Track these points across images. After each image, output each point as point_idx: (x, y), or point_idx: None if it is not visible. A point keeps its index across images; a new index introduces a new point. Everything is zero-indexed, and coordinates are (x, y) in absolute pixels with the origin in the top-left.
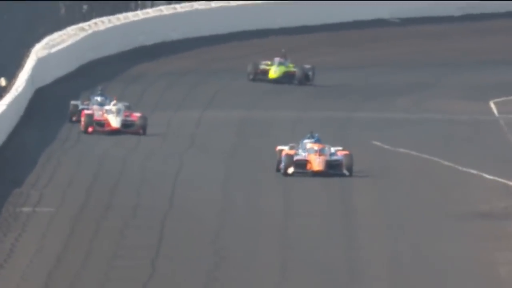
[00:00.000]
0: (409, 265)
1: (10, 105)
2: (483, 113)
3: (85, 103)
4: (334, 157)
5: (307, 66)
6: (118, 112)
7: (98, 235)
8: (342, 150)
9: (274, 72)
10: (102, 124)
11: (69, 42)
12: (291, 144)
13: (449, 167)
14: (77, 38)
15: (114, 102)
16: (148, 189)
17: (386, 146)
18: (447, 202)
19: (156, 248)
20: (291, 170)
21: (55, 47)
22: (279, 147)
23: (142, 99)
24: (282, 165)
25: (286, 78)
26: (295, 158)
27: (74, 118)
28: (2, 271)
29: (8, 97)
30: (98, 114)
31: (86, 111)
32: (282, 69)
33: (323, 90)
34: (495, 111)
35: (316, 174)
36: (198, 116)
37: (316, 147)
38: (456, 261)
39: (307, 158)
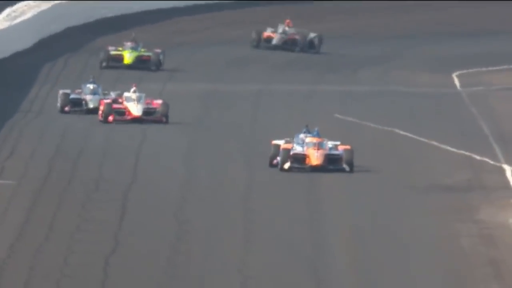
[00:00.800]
0: (371, 238)
1: None
2: (446, 86)
3: (77, 91)
4: (334, 151)
5: (158, 50)
6: (139, 99)
7: (61, 208)
8: (342, 144)
9: (128, 58)
10: (122, 112)
11: (30, 14)
12: (286, 139)
13: (412, 140)
14: (39, 9)
15: (133, 89)
16: (111, 162)
17: (349, 119)
18: (410, 175)
19: (119, 222)
20: (287, 165)
21: (16, 19)
22: (275, 142)
23: (105, 72)
24: (278, 160)
25: (140, 63)
26: (292, 152)
27: (66, 109)
28: None
29: None
30: (93, 103)
31: (105, 100)
32: (135, 54)
33: (285, 63)
34: (457, 84)
35: (315, 169)
36: (161, 88)
37: (315, 140)
38: (419, 233)
39: (305, 152)
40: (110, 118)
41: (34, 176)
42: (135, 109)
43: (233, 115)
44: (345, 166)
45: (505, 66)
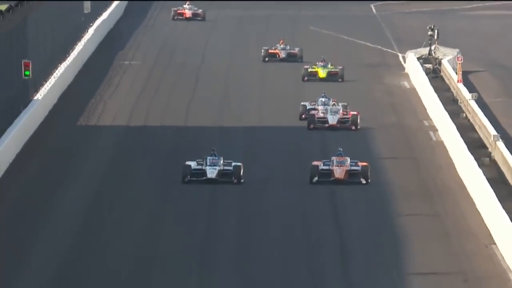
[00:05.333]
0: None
1: (118, 6)
2: (367, 11)
3: (312, 103)
4: (353, 167)
5: (340, 67)
6: (335, 111)
7: (163, 78)
8: (361, 162)
9: (322, 73)
10: (323, 121)
11: None
12: (324, 161)
13: (349, 40)
14: None
15: (333, 102)
16: (189, 53)
17: (317, 30)
18: (347, 58)
19: (195, 85)
20: (315, 179)
21: None
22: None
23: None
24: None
25: (330, 77)
26: (320, 168)
27: (303, 116)
28: (112, 96)
29: (115, 2)
30: (321, 113)
31: (311, 111)
32: (326, 70)
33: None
34: (374, 11)
35: (338, 182)
36: (216, 14)
37: (339, 159)
38: (350, 88)
39: (330, 168)
40: (311, 126)
41: (150, 59)
42: (331, 119)
43: (255, 27)
44: (362, 179)
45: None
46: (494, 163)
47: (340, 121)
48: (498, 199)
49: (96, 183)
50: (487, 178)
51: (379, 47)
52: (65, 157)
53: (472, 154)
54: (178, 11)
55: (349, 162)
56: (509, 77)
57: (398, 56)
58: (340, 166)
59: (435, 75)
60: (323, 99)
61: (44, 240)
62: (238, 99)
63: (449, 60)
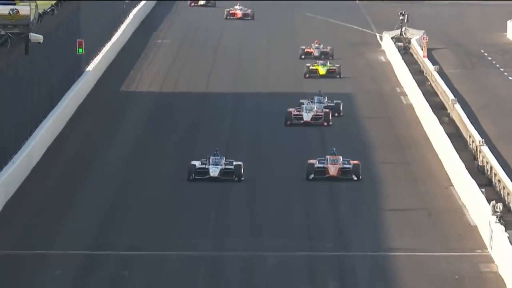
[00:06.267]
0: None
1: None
2: (351, 1)
3: (310, 99)
4: (346, 165)
5: (337, 65)
6: (310, 110)
7: (190, 51)
8: (353, 160)
9: (322, 70)
10: (299, 118)
11: None
12: (319, 159)
13: (338, 24)
14: None
15: (308, 101)
16: (207, 34)
17: (312, 15)
18: (335, 38)
19: (214, 60)
20: (311, 176)
21: None
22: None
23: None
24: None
25: (330, 73)
26: (316, 166)
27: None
28: (148, 68)
29: None
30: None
31: (288, 109)
32: (326, 67)
33: None
34: (357, 1)
35: (331, 179)
36: (231, 3)
37: (332, 158)
38: (345, 62)
39: (325, 166)
40: (288, 122)
41: (178, 39)
42: (306, 116)
43: (262, 13)
44: (353, 176)
45: None
46: (452, 121)
47: (314, 117)
48: (455, 150)
49: (135, 137)
50: (446, 133)
51: (360, 28)
52: (111, 116)
53: (434, 114)
54: (230, 12)
55: (341, 160)
56: (464, 53)
57: (376, 36)
58: (334, 164)
59: (405, 51)
60: (316, 99)
61: (97, 177)
62: (248, 71)
63: (416, 39)
